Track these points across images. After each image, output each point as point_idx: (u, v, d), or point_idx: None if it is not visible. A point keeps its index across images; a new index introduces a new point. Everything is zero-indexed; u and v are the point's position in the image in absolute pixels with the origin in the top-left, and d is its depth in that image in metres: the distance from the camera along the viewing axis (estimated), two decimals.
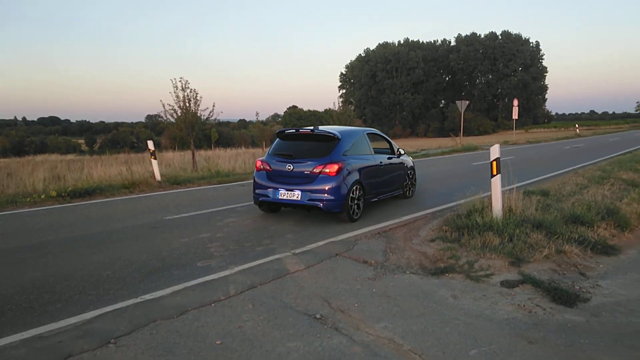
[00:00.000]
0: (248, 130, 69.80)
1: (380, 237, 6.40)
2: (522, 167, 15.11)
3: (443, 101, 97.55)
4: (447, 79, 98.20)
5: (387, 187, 8.61)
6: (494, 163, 6.47)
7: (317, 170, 7.05)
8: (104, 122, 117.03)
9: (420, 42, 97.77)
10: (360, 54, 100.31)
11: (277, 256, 5.52)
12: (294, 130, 7.80)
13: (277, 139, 7.92)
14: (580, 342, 3.35)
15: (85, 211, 8.64)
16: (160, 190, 11.23)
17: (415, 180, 10.00)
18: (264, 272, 4.92)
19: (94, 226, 7.29)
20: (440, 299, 4.21)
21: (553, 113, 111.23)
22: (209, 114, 14.96)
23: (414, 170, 9.90)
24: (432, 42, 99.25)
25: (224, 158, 19.06)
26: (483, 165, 15.69)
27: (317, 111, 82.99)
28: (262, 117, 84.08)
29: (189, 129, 14.80)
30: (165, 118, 15.08)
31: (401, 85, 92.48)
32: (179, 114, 14.53)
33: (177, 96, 14.32)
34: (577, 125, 56.06)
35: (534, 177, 12.29)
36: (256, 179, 7.62)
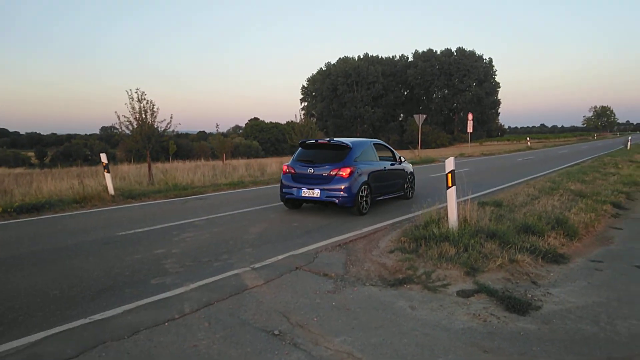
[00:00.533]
0: (208, 142, 68.74)
1: (341, 249, 6.40)
2: (477, 178, 15.61)
3: (402, 114, 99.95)
4: (406, 93, 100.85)
5: (389, 189, 10.10)
6: (449, 175, 6.62)
7: (333, 172, 8.50)
8: (55, 134, 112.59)
9: (380, 57, 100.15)
10: (321, 68, 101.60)
11: (235, 271, 5.41)
12: (314, 141, 9.34)
13: (300, 148, 9.45)
14: (532, 350, 3.44)
15: (32, 227, 8.21)
16: (114, 204, 10.83)
17: (414, 184, 11.47)
18: (221, 289, 4.80)
19: (42, 243, 6.92)
20: (398, 310, 4.23)
21: (506, 126, 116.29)
22: (167, 126, 14.61)
23: (413, 175, 11.36)
24: (391, 57, 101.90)
25: (182, 170, 18.65)
26: (440, 177, 16.09)
27: (279, 123, 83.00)
28: (223, 129, 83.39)
29: (145, 141, 14.38)
30: (120, 130, 14.59)
31: (361, 98, 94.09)
32: (135, 126, 14.11)
33: (133, 107, 13.92)
34: (528, 139, 58.87)
35: (488, 189, 12.71)
36: (283, 181, 9.09)
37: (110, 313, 4.14)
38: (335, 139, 9.25)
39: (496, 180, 15.25)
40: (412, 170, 11.32)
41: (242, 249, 6.49)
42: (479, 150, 39.87)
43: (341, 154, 8.76)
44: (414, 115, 25.62)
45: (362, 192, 8.65)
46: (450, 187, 6.58)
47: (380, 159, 9.84)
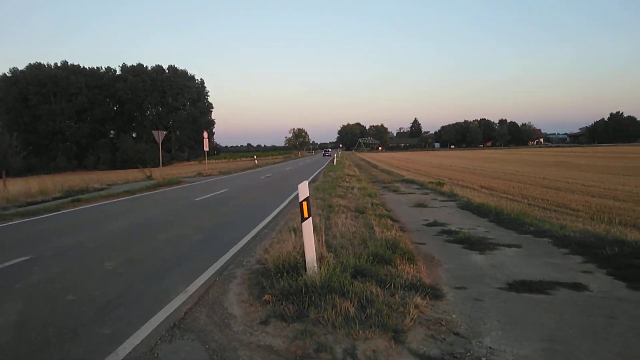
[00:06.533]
0: None
1: (183, 332, 4.04)
2: (245, 200, 14.54)
3: (113, 131, 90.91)
4: (116, 108, 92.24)
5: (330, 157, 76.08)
6: (305, 204, 5.26)
7: (328, 152, 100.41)
8: None
9: (82, 67, 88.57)
10: (5, 74, 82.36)
11: None
12: (326, 149, 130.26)
13: (323, 150, 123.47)
14: None
15: None
16: None
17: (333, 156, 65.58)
18: None
19: None
20: None
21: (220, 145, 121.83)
22: None
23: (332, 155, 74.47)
24: (96, 68, 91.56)
25: None
26: (209, 200, 14.34)
27: None
28: None
29: None
30: None
31: (62, 111, 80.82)
32: None
33: None
34: (255, 157, 63.96)
35: (271, 211, 11.65)
36: (323, 154, 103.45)
37: None
38: (328, 149, 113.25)
39: (271, 201, 14.27)
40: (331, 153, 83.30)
41: None
42: (215, 168, 39.20)
43: (329, 151, 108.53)
44: (153, 132, 22.53)
45: (330, 156, 65.07)
46: (306, 218, 5.19)
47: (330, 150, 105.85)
